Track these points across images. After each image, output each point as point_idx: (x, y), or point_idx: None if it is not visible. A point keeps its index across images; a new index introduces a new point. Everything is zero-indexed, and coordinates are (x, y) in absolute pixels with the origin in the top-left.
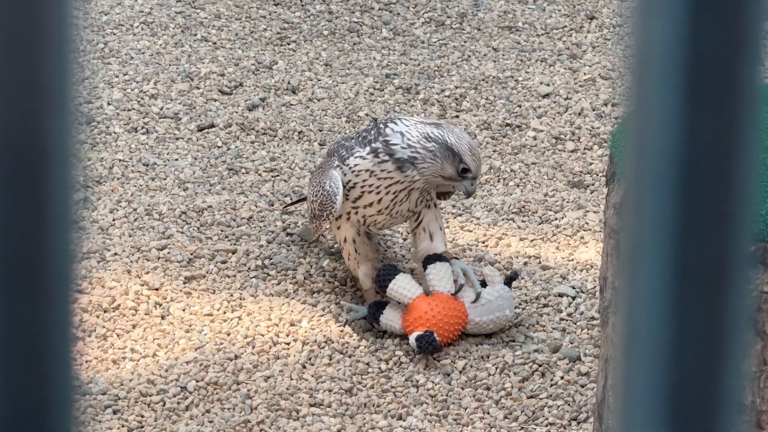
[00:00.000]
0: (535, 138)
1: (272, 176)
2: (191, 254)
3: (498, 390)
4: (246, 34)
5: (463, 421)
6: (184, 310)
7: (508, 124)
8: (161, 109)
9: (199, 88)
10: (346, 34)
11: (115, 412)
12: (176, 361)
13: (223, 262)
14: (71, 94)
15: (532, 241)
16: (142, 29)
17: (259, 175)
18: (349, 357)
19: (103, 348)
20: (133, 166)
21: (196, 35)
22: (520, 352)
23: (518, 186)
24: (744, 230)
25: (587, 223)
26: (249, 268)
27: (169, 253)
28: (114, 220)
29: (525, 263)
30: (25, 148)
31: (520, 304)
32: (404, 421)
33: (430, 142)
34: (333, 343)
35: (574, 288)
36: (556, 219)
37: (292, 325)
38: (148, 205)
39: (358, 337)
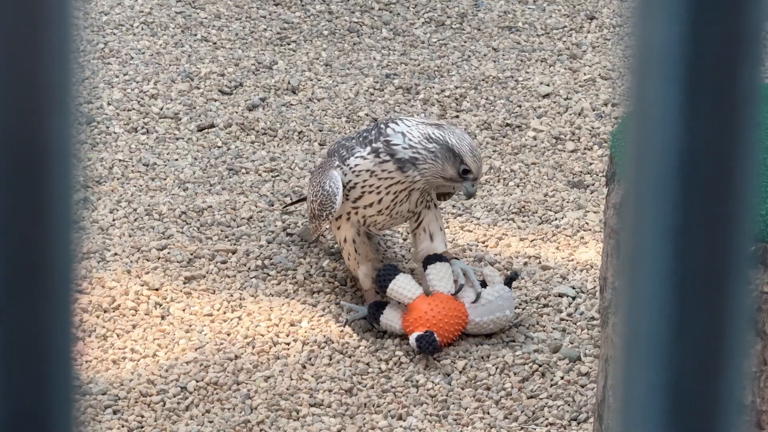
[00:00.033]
0: (535, 138)
1: (272, 176)
2: (191, 254)
3: (498, 390)
4: (246, 34)
5: (463, 421)
6: (184, 310)
7: (508, 124)
8: (161, 109)
9: (199, 88)
10: (346, 34)
11: (115, 412)
12: (176, 361)
13: (223, 262)
14: (72, 94)
15: (532, 241)
16: (142, 29)
17: (259, 175)
18: (349, 357)
19: (103, 348)
20: (133, 166)
21: (196, 35)
22: (520, 352)
23: (518, 186)
24: (744, 230)
25: (587, 224)
26: (249, 268)
27: (169, 253)
28: (114, 220)
29: (525, 263)
30: (26, 148)
31: (520, 304)
32: (404, 421)
33: (431, 143)
34: (333, 343)
35: (574, 288)
36: (556, 219)
37: (292, 325)
38: (148, 205)
39: (358, 337)
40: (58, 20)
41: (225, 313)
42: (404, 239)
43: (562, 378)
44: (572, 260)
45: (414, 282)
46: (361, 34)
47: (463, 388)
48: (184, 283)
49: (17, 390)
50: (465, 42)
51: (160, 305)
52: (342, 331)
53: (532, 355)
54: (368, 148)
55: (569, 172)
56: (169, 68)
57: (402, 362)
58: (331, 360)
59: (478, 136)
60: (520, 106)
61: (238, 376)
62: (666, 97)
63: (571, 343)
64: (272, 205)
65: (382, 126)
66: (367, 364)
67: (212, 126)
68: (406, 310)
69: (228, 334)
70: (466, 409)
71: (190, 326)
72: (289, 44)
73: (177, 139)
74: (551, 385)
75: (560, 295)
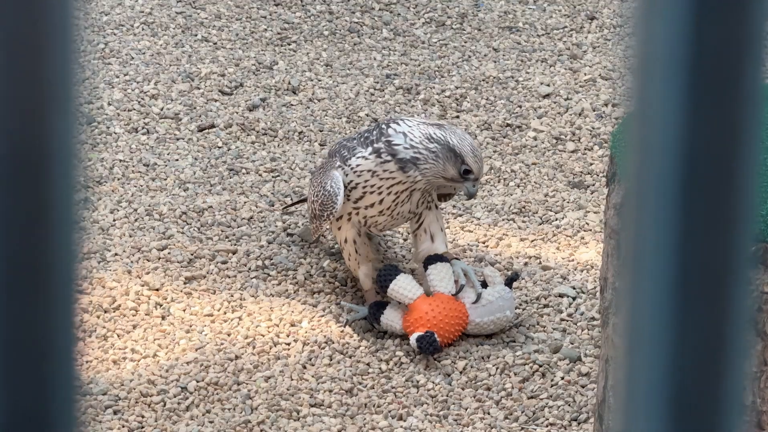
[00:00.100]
0: (535, 138)
1: (273, 176)
2: (192, 254)
3: (498, 390)
4: (246, 34)
5: (463, 421)
6: (184, 310)
7: (508, 125)
8: (162, 109)
9: (199, 89)
10: (347, 35)
11: (115, 413)
12: (177, 361)
13: (224, 263)
14: (73, 94)
15: (532, 241)
16: (143, 29)
17: (260, 175)
18: (350, 357)
19: (104, 348)
20: (133, 166)
21: (196, 35)
22: (520, 352)
23: (519, 186)
24: (745, 230)
25: (587, 224)
26: (249, 269)
27: (169, 253)
28: (114, 220)
29: (525, 264)
30: (27, 148)
31: (520, 304)
32: (405, 421)
33: (432, 143)
34: (333, 343)
35: (574, 288)
36: (556, 219)
37: (292, 325)
38: (149, 206)
39: (358, 337)
40: (59, 20)
41: (225, 313)
42: (405, 239)
43: (562, 378)
44: (573, 260)
45: (414, 282)
46: (362, 34)
47: (463, 389)
48: (185, 283)
49: (19, 390)
50: (465, 42)
51: (161, 305)
52: (342, 331)
53: (533, 355)
54: (369, 149)
55: (570, 173)
56: (169, 68)
57: (402, 362)
58: (331, 360)
59: (478, 136)
60: (520, 107)
61: (238, 376)
62: (668, 97)
63: (572, 344)
64: (273, 206)
65: (383, 126)
66: (368, 364)
67: (213, 126)
68: (406, 311)
69: (228, 335)
70: (466, 410)
71: (191, 326)
72: (289, 44)
73: (177, 139)
74: (551, 386)
75: (561, 296)
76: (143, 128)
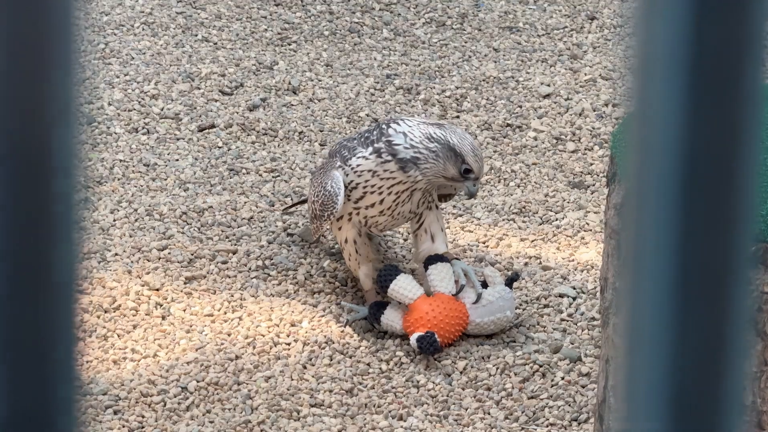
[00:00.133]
0: (535, 138)
1: (273, 177)
2: (192, 254)
3: (499, 390)
4: (247, 34)
5: (463, 421)
6: (184, 310)
7: (508, 125)
8: (162, 109)
9: (199, 89)
10: (347, 35)
11: (115, 413)
12: (177, 361)
13: (224, 263)
14: (74, 95)
15: (532, 241)
16: (143, 30)
17: (260, 175)
18: (350, 357)
19: (104, 348)
20: (133, 166)
21: (196, 35)
22: (520, 352)
23: (519, 186)
24: (745, 230)
25: (588, 224)
26: (250, 269)
27: (169, 253)
28: (115, 220)
29: (525, 264)
30: (29, 148)
31: (520, 304)
32: (405, 421)
33: (432, 143)
34: (334, 343)
35: (574, 288)
36: (556, 219)
37: (292, 325)
38: (149, 206)
39: (358, 337)
40: (60, 21)
41: (226, 313)
42: (405, 240)
43: (562, 378)
44: (573, 261)
45: (415, 282)
46: (362, 34)
47: (463, 389)
48: (185, 283)
49: (20, 390)
50: (466, 42)
51: (161, 305)
52: (343, 331)
53: (533, 355)
54: (370, 149)
55: (570, 173)
56: (169, 68)
57: (403, 363)
58: (331, 360)
59: (478, 136)
60: (520, 107)
61: (238, 376)
62: (668, 97)
63: (572, 344)
64: (273, 206)
65: (383, 126)
66: (368, 364)
67: (213, 126)
68: (406, 311)
69: (229, 335)
70: (466, 410)
71: (191, 326)
72: (289, 44)
73: (178, 139)
74: (552, 386)
75: (561, 296)
76: (143, 128)
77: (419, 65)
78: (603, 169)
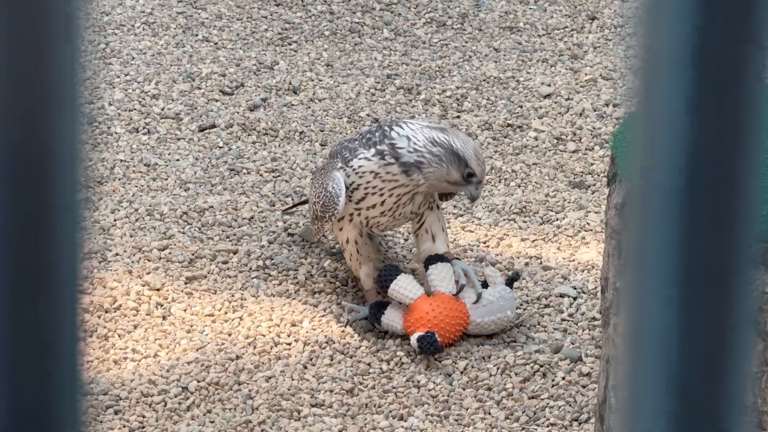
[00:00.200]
0: (536, 138)
1: (273, 177)
2: (192, 254)
3: (499, 390)
4: (247, 34)
5: (464, 421)
6: (185, 310)
7: (509, 125)
8: (162, 109)
9: (200, 89)
10: (348, 35)
11: (116, 413)
12: (177, 361)
13: (225, 263)
14: (77, 95)
15: (533, 241)
16: (144, 29)
17: (261, 175)
18: (351, 357)
19: (105, 348)
20: (134, 166)
21: (197, 35)
22: (521, 352)
23: (519, 186)
24: (748, 230)
25: (588, 224)
26: (250, 269)
27: (170, 253)
28: (115, 220)
29: (526, 264)
30: (31, 149)
31: (521, 304)
32: (405, 421)
33: (435, 147)
34: (334, 343)
35: (575, 288)
36: (557, 219)
37: (293, 325)
38: (150, 206)
39: (359, 337)
40: (62, 21)
41: (226, 313)
42: (405, 239)
43: (563, 378)
44: (573, 261)
45: (415, 282)
46: (363, 34)
47: (464, 389)
48: (186, 283)
49: (23, 390)
50: (466, 42)
51: (162, 305)
52: (343, 331)
53: (534, 355)
54: (372, 150)
55: (570, 173)
56: (170, 68)
57: (403, 362)
58: (332, 360)
59: (479, 136)
60: (521, 107)
61: (239, 376)
62: (672, 96)
63: (573, 344)
64: (273, 206)
65: (386, 128)
66: (369, 364)
67: (213, 126)
68: (407, 311)
69: (229, 335)
70: (467, 410)
71: (192, 326)
72: (290, 44)
73: (178, 139)
74: (552, 386)
75: (561, 296)
76: (144, 128)
77: (420, 65)
78: (603, 169)
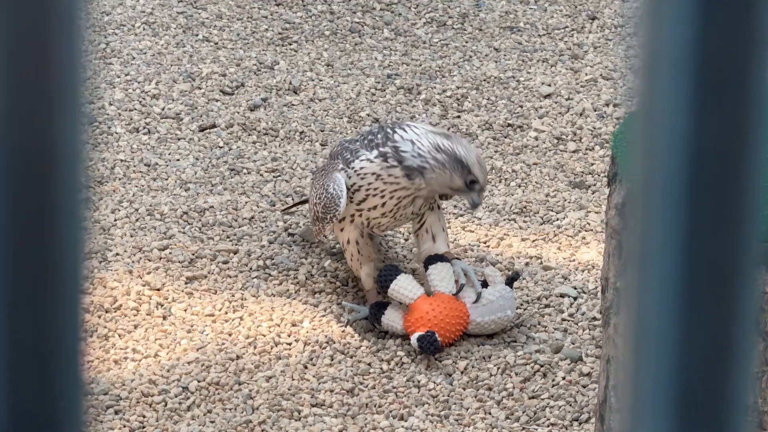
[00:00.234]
0: (536, 138)
1: (274, 176)
2: (193, 254)
3: (499, 390)
4: (248, 34)
5: (464, 421)
6: (185, 310)
7: (509, 125)
8: (163, 109)
9: (200, 89)
10: (348, 35)
11: (116, 413)
12: (178, 361)
13: (225, 263)
14: (79, 96)
15: (533, 241)
16: (144, 29)
17: (261, 175)
18: (351, 357)
19: (105, 348)
20: (134, 166)
21: (197, 35)
22: (521, 352)
23: (520, 186)
24: (751, 230)
25: (589, 224)
26: (251, 269)
27: (170, 253)
28: (116, 220)
29: (526, 264)
30: (34, 149)
31: (521, 304)
32: (406, 421)
33: (440, 153)
34: (335, 343)
35: (575, 288)
36: (557, 219)
37: (293, 325)
38: (150, 206)
39: (359, 337)
40: (65, 21)
41: (226, 313)
42: (406, 239)
43: (563, 378)
44: (574, 260)
45: (415, 282)
46: (363, 34)
47: (464, 389)
48: (186, 283)
49: (25, 389)
50: (466, 42)
51: (162, 305)
52: (343, 331)
53: (534, 355)
54: (375, 152)
55: (571, 173)
56: (170, 68)
57: (403, 362)
58: (332, 360)
59: (479, 136)
60: (521, 107)
61: (239, 376)
62: (674, 96)
63: (573, 344)
64: (274, 206)
65: (388, 130)
66: (369, 364)
67: (214, 126)
68: (407, 311)
69: (229, 335)
70: (467, 410)
71: (192, 326)
72: (290, 44)
73: (178, 139)
74: (553, 386)
75: (562, 296)
76: (144, 128)
77: (420, 65)
78: (604, 169)
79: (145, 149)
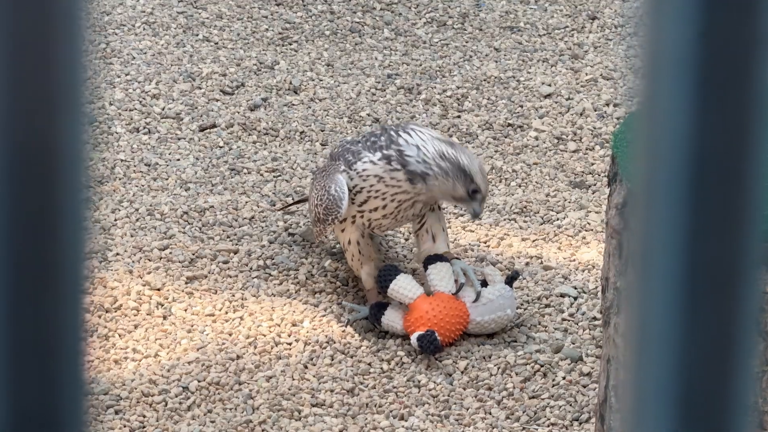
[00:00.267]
0: (536, 138)
1: (274, 176)
2: (193, 254)
3: (500, 390)
4: (248, 34)
5: (464, 421)
6: (185, 310)
7: (509, 125)
8: (163, 109)
9: (200, 88)
10: (348, 35)
11: (117, 412)
12: (178, 361)
13: (225, 263)
14: (80, 95)
15: (533, 241)
16: (144, 29)
17: (261, 175)
18: (351, 357)
19: (105, 348)
20: (135, 166)
21: (197, 35)
22: (521, 352)
23: (520, 186)
24: (753, 230)
25: (589, 224)
26: (251, 269)
27: (170, 253)
28: (116, 220)
29: (527, 263)
30: (36, 149)
31: (522, 304)
32: (406, 421)
33: (444, 161)
34: (335, 343)
35: (575, 288)
36: (557, 219)
37: (293, 325)
38: (150, 205)
39: (359, 337)
40: (67, 22)
41: (227, 313)
42: (406, 239)
43: (563, 378)
44: (574, 260)
45: (414, 282)
46: (363, 34)
47: (464, 388)
48: (186, 283)
49: (26, 389)
50: (467, 42)
51: (162, 305)
52: (344, 331)
53: (534, 355)
54: (378, 154)
55: (571, 173)
56: (170, 68)
57: (404, 362)
58: (332, 360)
59: (479, 136)
60: (521, 106)
61: (239, 376)
62: (676, 96)
63: (573, 344)
64: (274, 205)
65: (392, 133)
66: (369, 364)
67: (214, 126)
68: (407, 311)
69: (230, 334)
70: (467, 410)
71: (192, 326)
72: (290, 44)
73: (179, 139)
74: (553, 386)
75: (562, 295)
76: (145, 128)
77: (420, 65)
78: (604, 169)
79: (146, 149)
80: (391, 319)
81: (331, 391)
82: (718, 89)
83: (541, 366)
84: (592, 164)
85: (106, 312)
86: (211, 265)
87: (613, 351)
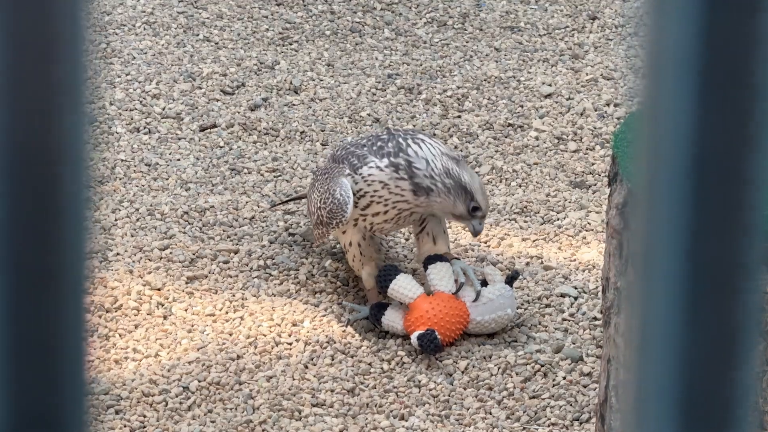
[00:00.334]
0: (537, 138)
1: (274, 176)
2: (193, 254)
3: (500, 390)
4: (248, 34)
5: (465, 421)
6: (186, 310)
7: (510, 125)
8: (163, 109)
9: (201, 88)
10: (348, 35)
11: (117, 412)
12: (178, 361)
13: (226, 262)
14: (81, 95)
15: (534, 241)
16: (145, 29)
17: (261, 175)
18: (352, 357)
19: (106, 348)
20: (135, 166)
21: (198, 35)
22: (522, 352)
23: (520, 186)
24: (755, 230)
25: (589, 224)
26: (251, 268)
27: (171, 253)
28: (116, 220)
29: (527, 263)
30: (38, 149)
31: (522, 304)
32: (406, 421)
33: (448, 179)
34: (335, 343)
35: (576, 288)
36: (558, 219)
37: (294, 325)
38: (150, 205)
39: (360, 337)
40: (69, 22)
41: (227, 313)
42: (406, 239)
43: (564, 378)
44: (574, 260)
45: (414, 282)
46: (363, 34)
47: (465, 388)
48: (187, 283)
49: (27, 389)
50: (467, 42)
51: (163, 305)
52: (344, 331)
53: (534, 355)
54: (386, 160)
55: (571, 173)
56: (171, 68)
57: (404, 362)
58: (333, 360)
59: (480, 136)
60: (522, 106)
61: (240, 376)
62: (678, 96)
63: (574, 344)
64: (274, 205)
65: (401, 141)
66: (369, 364)
67: (214, 126)
68: (407, 311)
69: (230, 334)
70: (468, 410)
71: (193, 326)
72: (291, 44)
73: (179, 139)
74: (553, 386)
75: (562, 295)
76: (145, 128)
77: (421, 65)
78: (604, 169)
79: (146, 149)
80: (392, 319)
81: (332, 391)
82: (719, 89)
83: (542, 366)
84: (593, 164)
85: (107, 312)
86: (212, 265)
87: (614, 351)
